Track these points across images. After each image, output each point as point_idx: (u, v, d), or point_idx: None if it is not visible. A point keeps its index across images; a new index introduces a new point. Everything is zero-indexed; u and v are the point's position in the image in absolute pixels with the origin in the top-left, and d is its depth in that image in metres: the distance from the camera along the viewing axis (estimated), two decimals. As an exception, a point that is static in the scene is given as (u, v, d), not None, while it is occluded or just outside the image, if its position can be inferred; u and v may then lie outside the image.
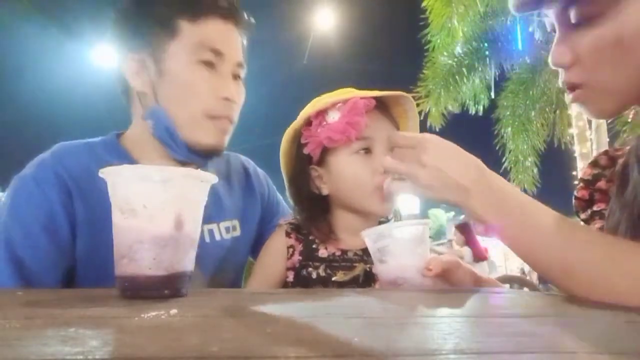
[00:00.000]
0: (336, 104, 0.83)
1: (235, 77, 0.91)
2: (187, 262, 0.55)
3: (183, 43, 0.85)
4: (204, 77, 0.85)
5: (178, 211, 0.53)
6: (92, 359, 0.27)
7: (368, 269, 0.83)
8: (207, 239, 0.91)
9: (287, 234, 0.87)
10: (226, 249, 0.94)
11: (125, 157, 0.90)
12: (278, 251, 0.86)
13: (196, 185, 0.57)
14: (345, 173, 0.84)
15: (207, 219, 0.90)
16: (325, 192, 0.87)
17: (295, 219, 0.90)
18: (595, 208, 0.81)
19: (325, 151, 0.85)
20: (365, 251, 0.84)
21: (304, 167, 0.88)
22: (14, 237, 0.77)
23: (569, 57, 0.64)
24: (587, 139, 6.31)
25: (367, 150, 0.83)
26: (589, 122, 6.20)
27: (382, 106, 0.87)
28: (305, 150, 0.86)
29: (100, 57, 9.77)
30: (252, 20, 0.96)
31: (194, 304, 0.50)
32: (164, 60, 0.86)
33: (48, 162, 0.84)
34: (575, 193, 0.85)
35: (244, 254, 1.02)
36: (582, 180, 0.85)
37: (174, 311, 0.42)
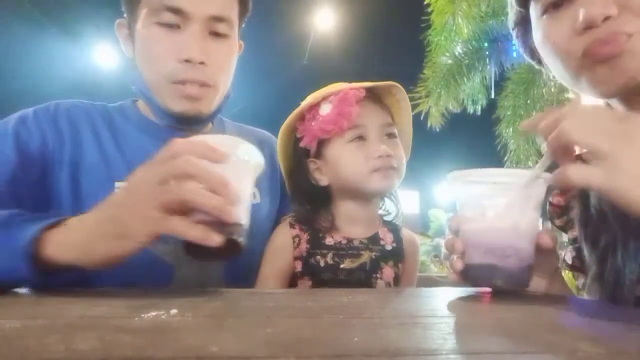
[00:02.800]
0: (328, 97, 0.85)
1: (214, 33, 0.84)
2: (239, 214, 0.57)
3: (146, 4, 0.82)
4: (161, 38, 0.82)
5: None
6: (92, 359, 0.27)
7: (374, 257, 0.85)
8: None
9: (291, 226, 0.87)
10: None
11: (138, 115, 0.92)
12: (284, 242, 0.86)
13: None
14: (342, 161, 0.85)
15: None
16: (324, 183, 0.89)
17: (297, 214, 0.90)
18: (572, 215, 0.78)
19: (321, 143, 0.87)
20: (370, 239, 0.87)
21: (301, 160, 0.90)
22: None
23: (614, 7, 0.57)
24: (587, 139, 6.30)
25: (361, 138, 0.85)
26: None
27: (374, 97, 0.89)
28: (302, 144, 0.88)
29: (100, 57, 9.77)
30: None
31: (194, 304, 0.50)
32: (136, 25, 0.85)
33: (51, 107, 0.87)
34: (550, 199, 0.82)
35: (264, 225, 0.96)
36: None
37: (174, 311, 0.42)
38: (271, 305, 0.51)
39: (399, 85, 0.90)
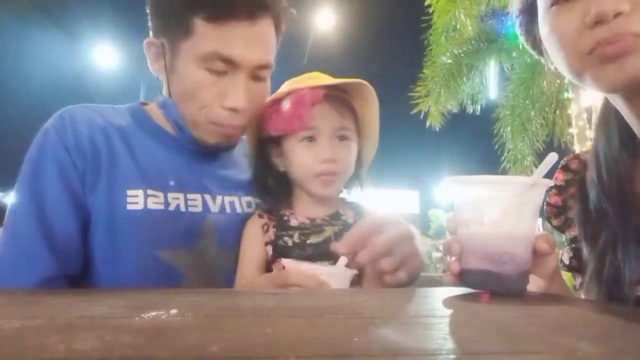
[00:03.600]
0: (291, 93, 0.87)
1: (255, 78, 0.86)
2: None
3: (195, 46, 0.80)
4: (209, 84, 0.82)
5: None
6: (92, 359, 0.27)
7: (337, 230, 0.89)
8: (228, 210, 0.92)
9: (260, 216, 0.92)
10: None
11: (149, 121, 0.92)
12: (255, 231, 0.90)
13: None
14: (292, 158, 0.90)
15: (228, 191, 0.93)
16: (282, 168, 0.94)
17: (262, 202, 0.96)
18: (570, 215, 0.78)
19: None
20: (331, 216, 0.91)
21: (265, 142, 0.94)
22: (37, 192, 0.80)
23: (627, 4, 0.57)
24: (587, 138, 6.30)
25: (312, 139, 0.89)
26: (589, 122, 6.20)
27: (339, 93, 0.90)
28: (262, 134, 0.93)
29: (100, 57, 9.77)
30: (291, 10, 0.89)
31: (194, 304, 0.50)
32: (177, 56, 0.83)
33: (66, 119, 0.85)
34: (547, 199, 0.82)
35: None
36: (554, 186, 0.82)
37: (174, 311, 0.42)
38: (271, 305, 0.51)
39: (365, 82, 0.90)
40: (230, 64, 0.81)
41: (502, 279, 0.59)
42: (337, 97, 0.90)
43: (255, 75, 0.85)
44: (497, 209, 0.60)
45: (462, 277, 0.63)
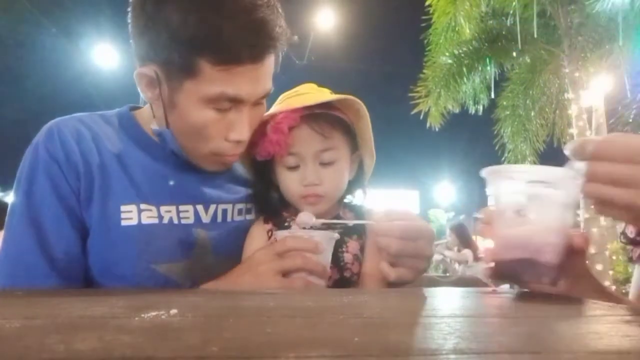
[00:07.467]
0: (275, 116, 0.86)
1: (256, 104, 0.84)
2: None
3: (201, 87, 0.77)
4: (215, 120, 0.80)
5: None
6: (92, 359, 0.27)
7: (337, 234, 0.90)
8: (220, 219, 0.91)
9: (265, 221, 0.93)
10: (241, 231, 0.94)
11: (137, 129, 0.91)
12: (260, 235, 0.91)
13: None
14: (279, 180, 0.92)
15: (220, 199, 0.92)
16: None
17: (265, 208, 0.97)
18: None
19: None
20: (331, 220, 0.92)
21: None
22: (33, 210, 0.80)
23: None
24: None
25: (296, 167, 0.89)
26: (589, 122, 6.20)
27: (327, 110, 0.88)
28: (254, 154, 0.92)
29: (100, 57, 9.78)
30: (293, 37, 0.87)
31: (194, 304, 0.50)
32: (178, 92, 0.79)
33: (55, 134, 0.84)
34: None
35: None
36: None
37: (174, 311, 0.42)
38: (271, 305, 0.51)
39: (351, 97, 0.89)
40: (236, 101, 0.80)
41: (541, 268, 0.60)
42: (320, 115, 0.87)
43: (256, 102, 0.85)
44: (542, 202, 0.60)
45: (498, 267, 0.63)
